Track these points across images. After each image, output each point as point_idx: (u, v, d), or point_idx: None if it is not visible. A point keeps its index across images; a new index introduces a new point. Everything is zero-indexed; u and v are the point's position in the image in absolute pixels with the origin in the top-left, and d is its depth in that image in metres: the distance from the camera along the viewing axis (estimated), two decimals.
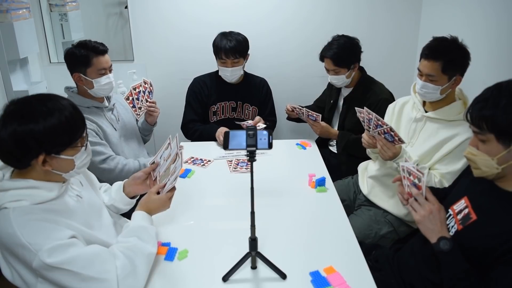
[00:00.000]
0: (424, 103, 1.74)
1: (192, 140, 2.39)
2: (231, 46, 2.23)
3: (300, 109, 2.17)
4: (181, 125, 2.43)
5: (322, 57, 2.18)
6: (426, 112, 1.71)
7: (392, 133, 1.57)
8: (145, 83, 2.09)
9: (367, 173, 1.95)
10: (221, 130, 2.24)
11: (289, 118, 2.41)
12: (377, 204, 1.85)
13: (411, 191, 1.23)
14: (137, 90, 2.05)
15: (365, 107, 1.65)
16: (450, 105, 1.65)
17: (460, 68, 1.60)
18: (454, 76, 1.59)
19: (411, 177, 1.22)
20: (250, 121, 2.34)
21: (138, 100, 2.05)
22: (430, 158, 1.66)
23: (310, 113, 2.13)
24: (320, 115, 2.12)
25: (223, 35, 2.28)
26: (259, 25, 2.76)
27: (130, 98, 2.03)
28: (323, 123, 2.18)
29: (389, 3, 2.74)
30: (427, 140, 1.68)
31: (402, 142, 1.58)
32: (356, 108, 1.70)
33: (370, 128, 1.67)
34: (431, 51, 1.60)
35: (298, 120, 2.36)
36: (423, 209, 1.17)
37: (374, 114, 1.59)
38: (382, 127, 1.59)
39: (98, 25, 2.91)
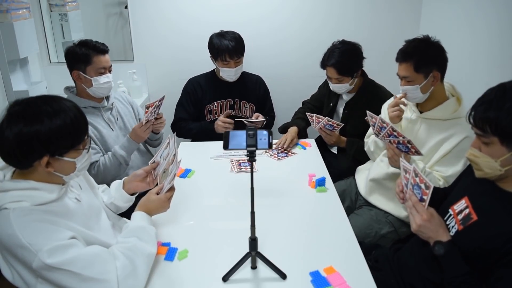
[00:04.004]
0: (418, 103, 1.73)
1: (186, 138, 2.38)
2: (234, 46, 2.23)
3: (318, 117, 2.06)
4: (171, 124, 2.44)
5: (324, 66, 2.11)
6: (421, 112, 1.70)
7: (409, 145, 1.50)
8: (159, 100, 1.92)
9: (369, 175, 1.93)
10: (217, 122, 2.26)
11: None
12: (377, 206, 1.85)
13: (410, 192, 1.22)
14: (149, 109, 1.88)
15: (380, 116, 1.60)
16: (443, 103, 1.64)
17: (434, 64, 1.60)
18: (430, 72, 1.60)
19: (417, 179, 1.18)
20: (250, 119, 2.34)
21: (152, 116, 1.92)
22: (429, 160, 1.65)
23: (330, 123, 2.02)
24: (342, 125, 2.02)
25: (221, 36, 2.27)
26: (259, 25, 2.76)
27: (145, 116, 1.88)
28: (335, 133, 2.12)
29: (389, 3, 2.74)
30: (424, 141, 1.67)
31: (420, 154, 1.51)
32: (368, 112, 1.65)
33: (380, 134, 1.62)
34: (401, 54, 1.64)
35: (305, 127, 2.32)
36: (418, 219, 1.15)
37: (390, 124, 1.53)
38: (398, 138, 1.52)
39: (98, 25, 2.91)
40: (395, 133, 1.53)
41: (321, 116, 2.05)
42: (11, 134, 1.03)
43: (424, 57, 1.60)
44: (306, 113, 2.12)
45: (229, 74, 2.32)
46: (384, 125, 1.56)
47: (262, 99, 2.53)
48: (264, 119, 2.28)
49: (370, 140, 1.95)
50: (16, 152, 1.05)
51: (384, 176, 1.83)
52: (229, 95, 2.43)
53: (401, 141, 1.53)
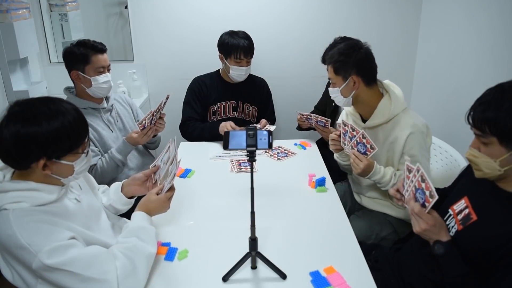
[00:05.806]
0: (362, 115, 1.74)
1: (191, 139, 2.38)
2: (248, 44, 2.22)
3: (309, 116, 2.10)
4: (180, 124, 2.41)
5: (324, 60, 2.09)
6: (364, 123, 1.70)
7: (364, 140, 1.52)
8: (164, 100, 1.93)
9: (353, 187, 1.95)
10: (224, 124, 2.21)
11: (299, 128, 2.33)
12: (376, 210, 1.84)
13: (412, 196, 1.20)
14: (150, 115, 1.89)
15: (342, 120, 1.63)
16: (377, 107, 1.64)
17: (353, 68, 1.59)
18: (349, 76, 1.60)
19: (423, 184, 1.15)
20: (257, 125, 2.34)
21: (150, 121, 1.91)
22: (392, 164, 1.66)
23: (319, 119, 2.05)
24: (330, 120, 2.04)
25: (235, 34, 2.25)
26: (260, 23, 2.76)
27: (144, 122, 1.88)
28: (331, 128, 2.12)
29: (389, 2, 2.74)
30: (379, 150, 1.65)
31: (375, 148, 1.52)
32: (337, 122, 1.68)
33: (345, 142, 1.64)
34: (326, 57, 1.65)
35: (309, 129, 2.31)
36: (423, 224, 1.14)
37: (349, 124, 1.55)
38: (355, 137, 1.54)
39: (98, 25, 2.91)
40: (354, 132, 1.55)
41: (308, 114, 2.08)
42: (9, 134, 1.03)
43: (342, 61, 1.61)
44: (304, 113, 2.13)
45: (239, 73, 2.29)
46: (346, 128, 1.57)
47: (265, 102, 2.51)
48: (274, 126, 2.32)
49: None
50: (13, 152, 1.05)
51: (363, 191, 1.85)
52: (233, 96, 2.42)
53: (358, 139, 1.55)
